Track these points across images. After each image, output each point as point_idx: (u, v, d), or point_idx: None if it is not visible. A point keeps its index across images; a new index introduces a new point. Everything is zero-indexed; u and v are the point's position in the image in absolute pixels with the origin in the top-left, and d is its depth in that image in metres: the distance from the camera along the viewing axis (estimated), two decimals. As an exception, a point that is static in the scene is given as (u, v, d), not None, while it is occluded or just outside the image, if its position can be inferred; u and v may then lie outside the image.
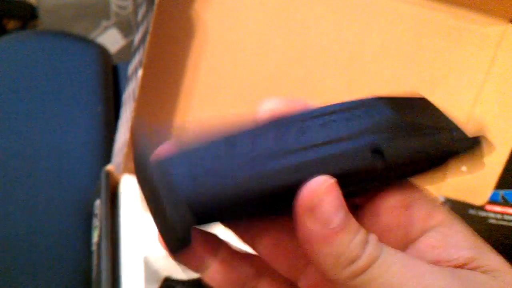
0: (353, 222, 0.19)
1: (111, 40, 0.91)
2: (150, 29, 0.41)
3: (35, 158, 0.55)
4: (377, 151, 0.20)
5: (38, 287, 0.47)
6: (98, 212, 0.48)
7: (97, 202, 0.49)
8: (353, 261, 0.18)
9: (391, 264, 0.19)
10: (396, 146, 0.20)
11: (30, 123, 0.58)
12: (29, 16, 1.02)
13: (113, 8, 0.91)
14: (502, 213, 0.57)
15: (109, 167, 0.50)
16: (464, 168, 0.61)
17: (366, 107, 0.21)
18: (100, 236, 0.46)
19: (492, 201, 0.57)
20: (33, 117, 0.59)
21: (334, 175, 0.19)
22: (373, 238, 0.19)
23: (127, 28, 0.92)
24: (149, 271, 0.45)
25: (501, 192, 0.59)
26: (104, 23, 0.92)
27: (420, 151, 0.21)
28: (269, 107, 0.21)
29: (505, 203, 0.59)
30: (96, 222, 0.49)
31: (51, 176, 0.54)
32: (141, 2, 0.45)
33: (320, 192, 0.18)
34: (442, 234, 0.21)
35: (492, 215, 0.56)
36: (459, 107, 0.56)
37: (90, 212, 0.52)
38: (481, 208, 0.56)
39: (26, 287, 0.47)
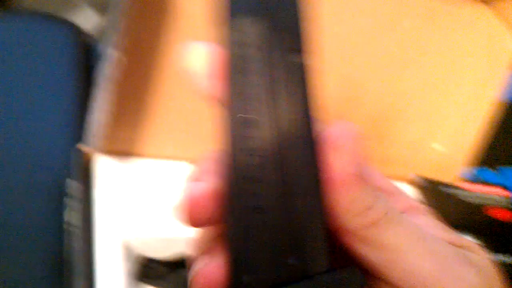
0: (364, 175, 0.19)
1: (85, 18, 0.90)
2: (125, 9, 0.40)
3: (5, 138, 0.55)
4: (291, 52, 0.20)
5: (9, 267, 0.47)
6: (70, 191, 0.48)
7: (69, 182, 0.49)
8: (365, 210, 0.19)
9: (401, 223, 0.19)
10: (290, 30, 0.20)
11: None
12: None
13: (88, -14, 0.90)
14: (473, 191, 0.58)
15: (82, 146, 0.49)
16: (436, 146, 0.62)
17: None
18: (72, 215, 0.46)
19: (463, 178, 0.58)
20: (2, 97, 0.58)
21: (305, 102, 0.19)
22: (382, 194, 0.20)
23: (102, 6, 0.91)
24: (127, 251, 0.45)
25: (472, 170, 0.59)
26: (78, 1, 0.90)
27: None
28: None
29: (476, 180, 0.60)
30: (68, 201, 0.49)
31: (22, 156, 0.54)
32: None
33: (345, 135, 0.19)
34: (420, 219, 0.22)
35: (462, 192, 0.57)
36: (433, 86, 0.56)
37: (62, 191, 0.51)
38: (453, 185, 0.57)
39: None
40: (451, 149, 0.58)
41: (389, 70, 0.54)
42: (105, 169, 0.49)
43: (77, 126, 0.57)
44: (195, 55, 0.20)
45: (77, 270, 0.44)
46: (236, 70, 0.19)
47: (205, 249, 0.20)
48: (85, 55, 0.68)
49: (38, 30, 0.67)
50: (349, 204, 0.19)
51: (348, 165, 0.19)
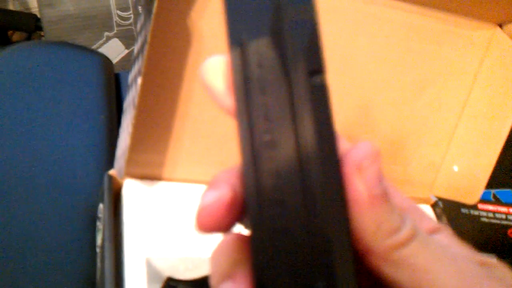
0: (390, 196, 0.19)
1: (114, 49, 0.92)
2: (148, 38, 0.42)
3: (40, 164, 0.56)
4: (312, 73, 0.19)
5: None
6: (101, 215, 0.50)
7: (101, 206, 0.50)
8: (394, 231, 0.19)
9: (428, 243, 0.19)
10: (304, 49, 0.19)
11: (34, 131, 0.59)
12: (33, 27, 1.03)
13: (116, 19, 0.93)
14: (494, 212, 0.58)
15: (112, 172, 0.51)
16: (456, 168, 0.62)
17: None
18: (103, 239, 0.47)
19: (484, 200, 0.58)
20: (37, 125, 0.60)
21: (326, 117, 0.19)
22: (409, 216, 0.20)
23: (129, 38, 0.94)
24: (152, 271, 0.46)
25: (493, 191, 0.59)
26: (107, 33, 0.93)
27: None
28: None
29: (497, 201, 0.59)
30: (100, 225, 0.50)
31: (56, 182, 0.55)
32: (140, 13, 0.46)
33: (368, 156, 0.19)
34: (442, 239, 0.22)
35: (484, 213, 0.57)
36: (449, 110, 0.57)
37: (95, 216, 0.53)
38: (473, 207, 0.57)
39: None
40: (471, 171, 0.58)
41: (406, 93, 0.55)
42: (132, 193, 0.50)
43: (107, 151, 0.59)
44: (213, 69, 0.20)
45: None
46: (254, 91, 0.19)
47: (228, 274, 0.19)
48: (114, 83, 0.71)
49: (68, 60, 0.69)
50: (376, 226, 0.18)
51: (373, 186, 0.18)
